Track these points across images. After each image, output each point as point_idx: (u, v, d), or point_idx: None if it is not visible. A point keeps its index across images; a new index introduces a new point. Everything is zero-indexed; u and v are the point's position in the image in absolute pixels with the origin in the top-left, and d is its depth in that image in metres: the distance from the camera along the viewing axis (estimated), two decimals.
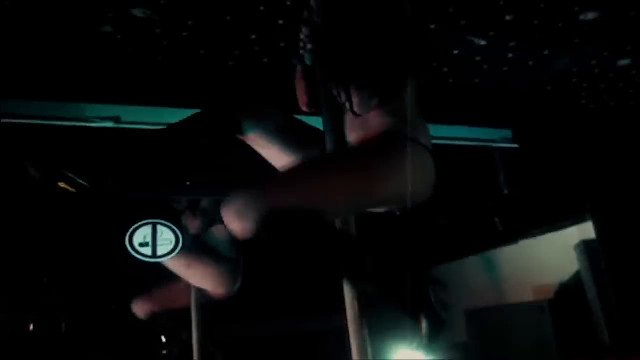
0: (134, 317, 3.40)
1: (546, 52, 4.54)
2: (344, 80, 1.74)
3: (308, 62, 1.89)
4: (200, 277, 3.29)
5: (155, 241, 3.09)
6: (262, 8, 3.48)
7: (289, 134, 1.82)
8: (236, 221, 1.38)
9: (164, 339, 3.55)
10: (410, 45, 1.75)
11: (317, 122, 1.80)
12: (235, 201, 1.40)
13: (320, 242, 1.44)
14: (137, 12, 3.34)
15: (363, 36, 1.75)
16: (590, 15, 4.10)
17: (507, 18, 4.04)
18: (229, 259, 3.33)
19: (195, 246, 3.33)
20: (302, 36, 2.16)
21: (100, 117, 3.76)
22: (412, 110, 1.75)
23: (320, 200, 1.46)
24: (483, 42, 4.33)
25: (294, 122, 1.88)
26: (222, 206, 1.42)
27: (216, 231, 3.39)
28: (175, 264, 3.30)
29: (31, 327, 3.72)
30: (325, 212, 1.50)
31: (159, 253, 3.09)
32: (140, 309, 3.39)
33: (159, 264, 3.22)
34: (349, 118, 1.78)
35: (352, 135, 1.75)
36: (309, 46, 1.97)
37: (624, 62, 4.79)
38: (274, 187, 1.45)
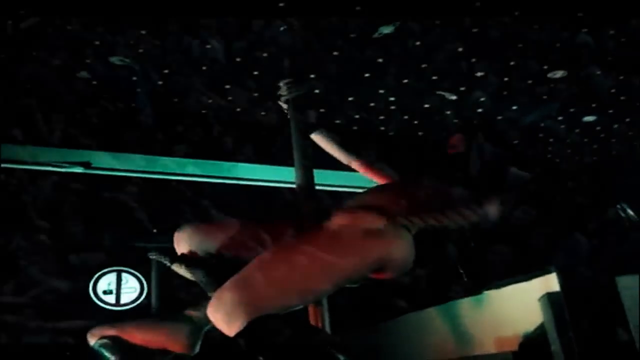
0: None
1: (514, 107, 4.68)
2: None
3: None
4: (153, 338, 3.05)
5: (119, 289, 3.06)
6: (238, 59, 3.57)
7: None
8: (225, 325, 1.44)
9: None
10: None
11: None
12: (222, 304, 1.46)
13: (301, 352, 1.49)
14: (115, 60, 3.39)
15: None
16: (558, 74, 4.26)
17: (478, 74, 4.18)
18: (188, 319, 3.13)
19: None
20: (281, 91, 2.24)
21: (70, 162, 3.73)
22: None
23: (302, 292, 1.54)
24: (454, 97, 4.45)
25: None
26: (210, 306, 1.47)
27: None
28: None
29: None
30: (306, 301, 1.60)
31: (123, 301, 3.05)
32: None
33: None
34: None
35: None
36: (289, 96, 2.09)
37: (589, 119, 4.95)
38: (258, 286, 1.49)
